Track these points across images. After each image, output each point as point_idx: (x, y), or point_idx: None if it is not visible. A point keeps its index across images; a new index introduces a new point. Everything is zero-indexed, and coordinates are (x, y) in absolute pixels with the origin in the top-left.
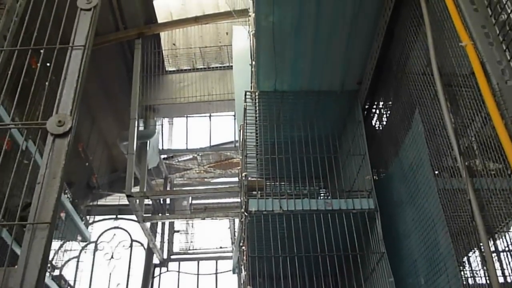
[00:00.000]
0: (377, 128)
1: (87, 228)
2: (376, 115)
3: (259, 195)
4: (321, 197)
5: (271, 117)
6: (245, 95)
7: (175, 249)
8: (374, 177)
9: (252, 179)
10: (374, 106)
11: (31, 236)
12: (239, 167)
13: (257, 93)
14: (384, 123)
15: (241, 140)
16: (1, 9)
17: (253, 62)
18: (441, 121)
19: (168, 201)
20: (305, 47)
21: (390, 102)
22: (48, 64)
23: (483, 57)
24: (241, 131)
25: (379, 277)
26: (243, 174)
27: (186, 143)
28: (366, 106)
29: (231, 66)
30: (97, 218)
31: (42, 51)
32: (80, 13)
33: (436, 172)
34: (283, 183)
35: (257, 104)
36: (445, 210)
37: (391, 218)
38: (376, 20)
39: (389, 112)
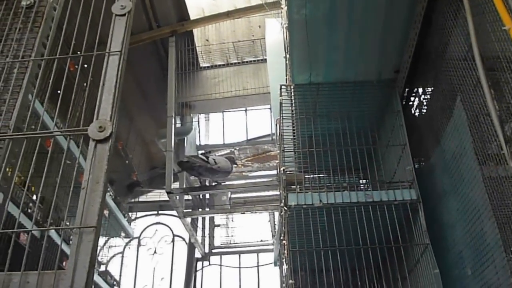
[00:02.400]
0: (416, 117)
1: (130, 224)
2: (415, 104)
3: (298, 189)
4: (361, 189)
5: (308, 110)
6: (281, 88)
7: (216, 243)
8: (415, 167)
9: (291, 173)
10: (413, 95)
11: (78, 240)
12: (277, 160)
13: (292, 87)
14: (424, 112)
15: (278, 134)
16: (38, 17)
17: (287, 55)
18: (485, 108)
19: (207, 196)
20: (339, 38)
21: (430, 90)
22: (85, 65)
23: None
24: (278, 125)
25: (424, 269)
26: (281, 169)
27: (223, 138)
28: (405, 95)
29: (265, 59)
30: (139, 214)
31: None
32: (115, 19)
33: (481, 160)
34: (321, 175)
35: (292, 97)
36: (491, 199)
37: (434, 208)
38: (412, 7)
39: (428, 100)
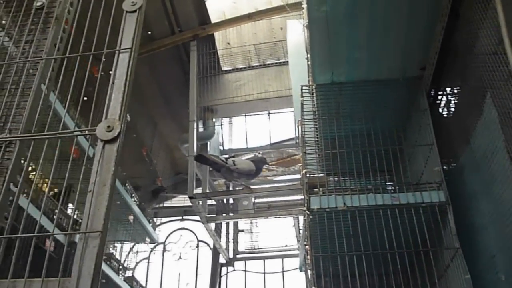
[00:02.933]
0: (444, 116)
1: (155, 230)
2: (442, 102)
3: (321, 192)
4: (387, 192)
5: (330, 110)
6: (302, 89)
7: (241, 248)
8: (443, 168)
9: (313, 175)
10: (440, 93)
11: (83, 246)
12: (300, 164)
13: (313, 87)
14: (452, 110)
15: (300, 136)
16: (50, 18)
17: (308, 55)
18: None
19: (231, 200)
20: (361, 35)
21: (458, 88)
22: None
23: None
24: (299, 126)
25: (454, 274)
26: (304, 171)
27: (246, 142)
28: (431, 93)
29: (287, 61)
30: (164, 220)
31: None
32: (126, 16)
33: None
34: (345, 178)
35: (314, 98)
36: None
37: (464, 211)
38: (436, 1)
39: (456, 98)
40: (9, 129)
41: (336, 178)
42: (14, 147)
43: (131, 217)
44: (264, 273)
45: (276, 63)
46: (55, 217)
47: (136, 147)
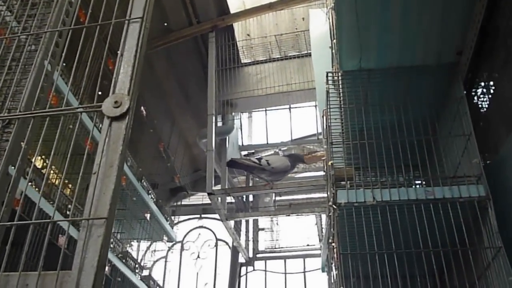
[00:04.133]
0: (482, 104)
1: (172, 228)
2: (480, 90)
3: (349, 185)
4: (420, 185)
5: (358, 99)
6: (327, 76)
7: (261, 247)
8: (483, 161)
9: (340, 167)
10: (478, 80)
11: (86, 235)
12: (324, 159)
13: (340, 74)
14: (491, 97)
15: (325, 126)
16: None
17: (334, 41)
18: None
19: (251, 198)
20: (393, 17)
21: (498, 74)
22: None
23: None
24: (324, 116)
25: (496, 275)
26: (329, 163)
27: (267, 138)
28: (468, 79)
29: (310, 53)
30: (182, 218)
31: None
32: None
33: None
34: (374, 172)
35: (340, 86)
36: None
37: (507, 207)
38: None
39: (497, 84)
40: (8, 108)
41: (364, 172)
42: (13, 128)
43: (147, 215)
44: (285, 273)
45: (299, 55)
46: (68, 212)
47: (153, 143)
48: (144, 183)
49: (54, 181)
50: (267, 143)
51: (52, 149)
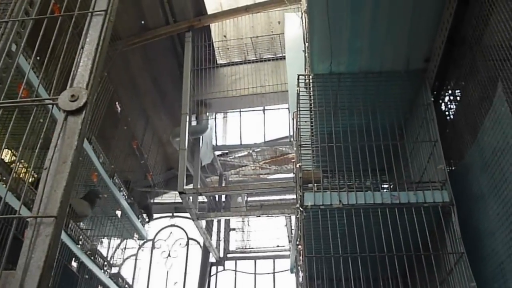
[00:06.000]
0: (449, 111)
1: (144, 226)
2: (447, 97)
3: (316, 188)
4: (386, 190)
5: (328, 103)
6: (298, 78)
7: (232, 247)
8: (448, 167)
9: (308, 170)
10: (445, 87)
11: (33, 233)
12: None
13: (311, 76)
14: (458, 104)
15: (294, 128)
16: None
17: (306, 44)
18: None
19: (223, 199)
20: (364, 22)
21: (464, 82)
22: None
23: None
24: (294, 119)
25: (458, 281)
26: (298, 165)
27: (240, 139)
28: (436, 86)
29: (284, 56)
30: (154, 216)
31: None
32: None
33: None
34: (341, 176)
35: (311, 89)
36: None
37: (470, 213)
38: None
39: (463, 91)
40: None
41: (332, 175)
42: None
43: (118, 212)
44: (255, 273)
45: (273, 57)
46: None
47: (127, 140)
48: (116, 180)
49: (21, 176)
50: (241, 143)
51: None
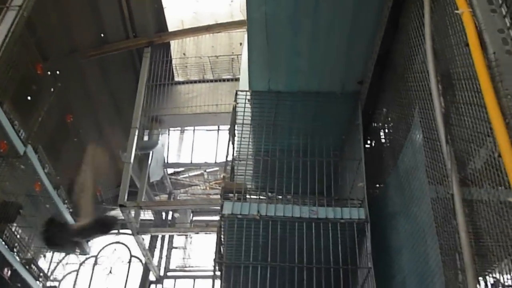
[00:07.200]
0: (379, 134)
1: (87, 241)
2: (377, 120)
3: (236, 198)
4: (306, 204)
5: (267, 121)
6: (236, 94)
7: (172, 266)
8: (375, 186)
9: (232, 182)
10: (377, 110)
11: None
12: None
13: (249, 93)
14: (387, 127)
15: (228, 142)
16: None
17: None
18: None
19: (170, 217)
20: (303, 41)
21: (391, 105)
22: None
23: (481, 24)
24: (229, 132)
25: None
26: (222, 175)
27: (191, 157)
28: (371, 109)
29: None
30: None
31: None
32: None
33: (431, 180)
34: (272, 191)
35: (249, 106)
36: (437, 221)
37: (385, 231)
38: (379, 9)
39: (389, 116)
40: None
41: (263, 190)
42: None
43: None
44: None
45: (232, 78)
46: None
47: (77, 153)
48: (62, 193)
49: None
50: (191, 162)
51: None
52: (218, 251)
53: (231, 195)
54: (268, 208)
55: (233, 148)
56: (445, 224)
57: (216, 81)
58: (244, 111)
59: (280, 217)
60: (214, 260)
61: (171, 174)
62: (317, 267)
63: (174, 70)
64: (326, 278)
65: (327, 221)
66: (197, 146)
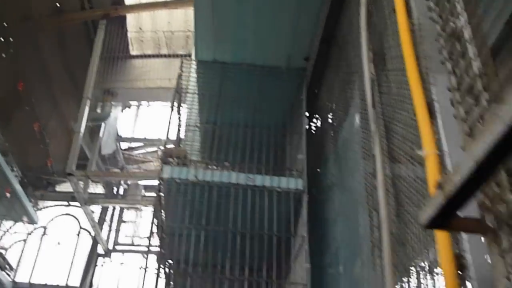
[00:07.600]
0: (325, 110)
1: (36, 211)
2: (324, 97)
3: (175, 163)
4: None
5: (212, 91)
6: (182, 62)
7: (121, 240)
8: (317, 161)
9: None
10: (322, 87)
11: None
12: None
13: (194, 62)
14: (331, 105)
15: (172, 109)
16: None
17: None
18: None
19: (122, 192)
20: (249, 12)
21: (334, 81)
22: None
23: None
24: (173, 98)
25: (301, 262)
26: (163, 139)
27: (144, 133)
28: (317, 86)
29: None
30: (51, 203)
31: None
32: None
33: (365, 151)
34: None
35: (195, 75)
36: (368, 191)
37: (324, 202)
38: None
39: (335, 93)
40: None
41: (207, 159)
42: None
43: (7, 193)
44: (143, 268)
45: (186, 54)
46: None
47: (28, 122)
48: (10, 158)
49: None
50: (145, 137)
51: None
52: (158, 217)
53: (171, 160)
54: (206, 174)
55: (179, 116)
56: (374, 192)
57: (171, 56)
58: (188, 81)
59: (216, 182)
60: (152, 222)
61: (126, 149)
62: (251, 233)
63: (129, 43)
64: (260, 244)
65: (263, 189)
66: (153, 122)
